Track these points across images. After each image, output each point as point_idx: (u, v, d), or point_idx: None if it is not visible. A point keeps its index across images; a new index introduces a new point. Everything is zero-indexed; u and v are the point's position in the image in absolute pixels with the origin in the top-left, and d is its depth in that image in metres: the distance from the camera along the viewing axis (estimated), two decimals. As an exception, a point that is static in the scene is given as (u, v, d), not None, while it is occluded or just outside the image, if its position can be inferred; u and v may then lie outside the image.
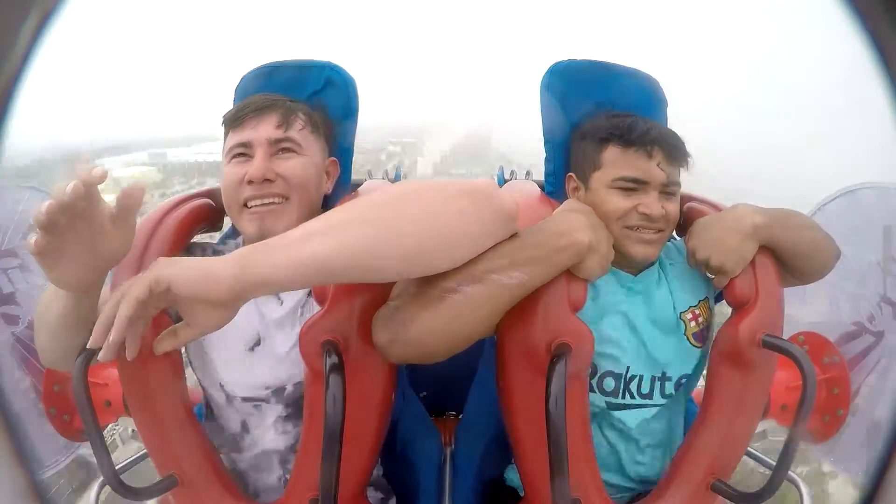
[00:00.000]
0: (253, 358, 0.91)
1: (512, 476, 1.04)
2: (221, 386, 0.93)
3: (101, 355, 0.64)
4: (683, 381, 0.96)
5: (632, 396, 0.94)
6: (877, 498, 0.52)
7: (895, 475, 0.53)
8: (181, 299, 0.64)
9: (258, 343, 0.92)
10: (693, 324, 0.97)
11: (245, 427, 0.94)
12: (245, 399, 0.92)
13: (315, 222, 0.70)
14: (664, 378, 0.95)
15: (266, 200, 0.89)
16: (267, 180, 0.89)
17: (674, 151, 0.92)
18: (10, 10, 0.50)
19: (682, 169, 0.94)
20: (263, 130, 0.91)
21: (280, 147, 0.92)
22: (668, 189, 0.92)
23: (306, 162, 0.93)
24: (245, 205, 0.90)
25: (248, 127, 0.92)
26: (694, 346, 0.97)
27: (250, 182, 0.89)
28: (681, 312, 0.97)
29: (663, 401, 0.95)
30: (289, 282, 0.67)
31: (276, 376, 0.91)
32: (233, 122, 0.93)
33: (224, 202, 0.94)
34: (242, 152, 0.91)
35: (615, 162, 0.93)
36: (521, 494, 0.95)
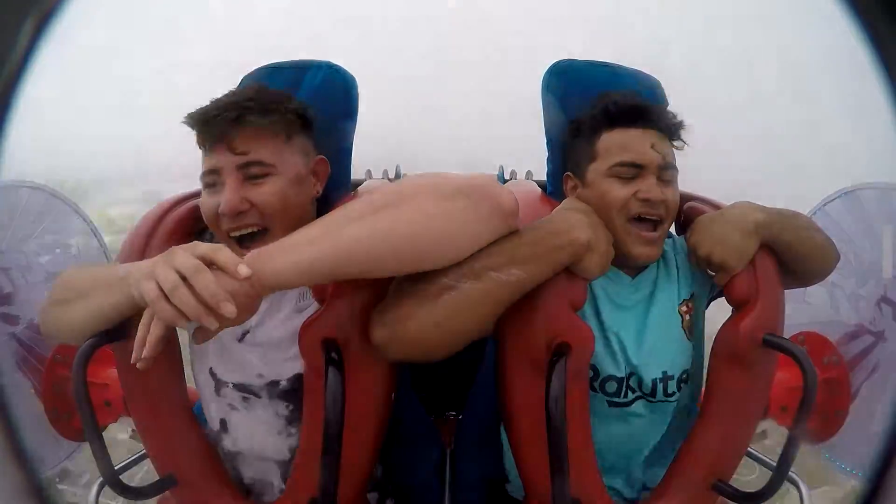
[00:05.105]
0: (243, 348, 0.89)
1: (512, 488, 1.03)
2: (212, 371, 0.91)
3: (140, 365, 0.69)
4: (685, 377, 0.94)
5: (637, 396, 0.93)
6: (877, 498, 0.52)
7: (895, 475, 0.53)
8: None
9: (246, 332, 0.89)
10: (687, 317, 0.96)
11: (224, 426, 0.92)
12: (236, 386, 0.90)
13: (315, 227, 0.73)
14: (666, 378, 0.93)
15: (244, 231, 0.86)
16: (241, 212, 0.85)
17: (665, 126, 0.92)
18: (10, 11, 0.50)
19: (676, 145, 0.94)
20: (229, 157, 0.85)
21: (250, 172, 0.85)
22: (665, 174, 0.91)
23: (281, 184, 0.87)
24: (229, 235, 0.86)
25: (215, 150, 0.87)
26: (688, 339, 0.96)
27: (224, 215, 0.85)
28: (678, 306, 0.96)
29: (669, 399, 0.94)
30: (295, 282, 0.72)
31: (270, 367, 0.89)
32: (200, 144, 0.88)
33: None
34: (213, 181, 0.87)
35: (609, 149, 0.92)
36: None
